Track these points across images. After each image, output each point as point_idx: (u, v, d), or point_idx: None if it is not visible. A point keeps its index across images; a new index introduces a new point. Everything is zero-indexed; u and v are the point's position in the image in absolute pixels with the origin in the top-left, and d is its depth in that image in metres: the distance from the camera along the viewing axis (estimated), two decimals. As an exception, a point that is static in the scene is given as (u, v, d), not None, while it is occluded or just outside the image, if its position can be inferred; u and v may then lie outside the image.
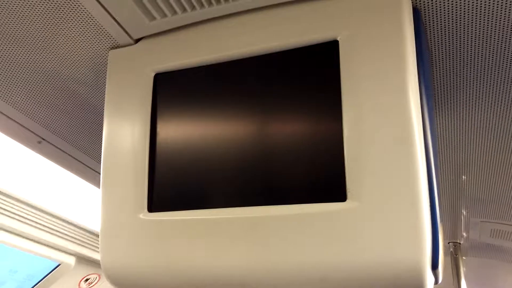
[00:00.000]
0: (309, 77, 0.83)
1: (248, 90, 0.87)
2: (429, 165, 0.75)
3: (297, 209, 0.77)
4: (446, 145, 1.35)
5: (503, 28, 0.88)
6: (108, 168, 0.95)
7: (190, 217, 0.86)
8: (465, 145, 1.34)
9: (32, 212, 1.95)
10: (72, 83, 1.16)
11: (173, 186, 0.89)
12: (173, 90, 0.94)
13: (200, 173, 0.87)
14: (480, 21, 0.87)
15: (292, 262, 0.77)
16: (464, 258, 2.09)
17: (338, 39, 0.81)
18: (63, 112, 1.26)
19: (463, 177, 1.55)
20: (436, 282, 0.79)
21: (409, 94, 0.74)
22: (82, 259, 2.42)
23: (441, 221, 0.78)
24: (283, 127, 0.83)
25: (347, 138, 0.76)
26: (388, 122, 0.74)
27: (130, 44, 1.00)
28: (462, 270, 2.00)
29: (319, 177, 0.78)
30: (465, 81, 1.05)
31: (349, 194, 0.75)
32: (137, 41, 0.99)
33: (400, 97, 0.74)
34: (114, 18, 0.93)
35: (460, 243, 2.05)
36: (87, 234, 2.28)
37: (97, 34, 0.99)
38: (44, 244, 2.16)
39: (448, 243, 2.07)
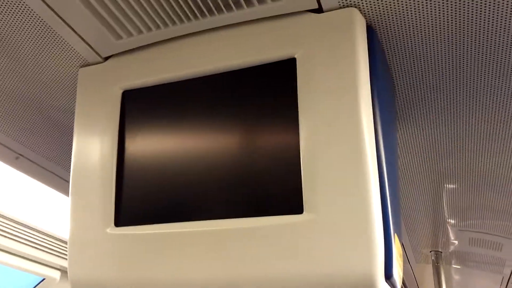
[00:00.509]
0: (269, 93, 0.86)
1: (211, 106, 0.90)
2: (382, 178, 0.78)
3: (256, 222, 0.80)
4: (426, 155, 1.38)
5: (458, 41, 0.91)
6: (76, 183, 0.97)
7: (156, 231, 0.87)
8: (445, 155, 1.36)
9: (15, 226, 1.96)
10: (46, 103, 1.18)
11: (140, 200, 0.91)
12: (141, 107, 0.96)
13: (167, 188, 0.89)
14: (434, 36, 0.90)
15: (252, 275, 0.78)
16: (445, 266, 2.11)
17: (295, 56, 0.84)
18: (39, 131, 1.28)
19: (445, 185, 1.58)
20: (394, 289, 0.81)
21: (361, 110, 0.77)
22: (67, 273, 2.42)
23: (395, 232, 0.80)
24: (244, 142, 0.85)
25: (304, 152, 0.79)
26: (341, 137, 0.77)
27: (99, 62, 1.02)
28: (443, 278, 2.02)
29: (277, 190, 0.81)
30: (435, 93, 1.08)
31: (305, 206, 0.77)
32: (106, 59, 1.02)
33: (352, 113, 0.77)
34: (81, 38, 0.96)
35: (441, 252, 2.07)
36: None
37: (67, 54, 1.02)
38: (28, 259, 2.16)
39: (430, 251, 2.10)
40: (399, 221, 0.91)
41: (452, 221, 1.82)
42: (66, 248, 2.23)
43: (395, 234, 0.80)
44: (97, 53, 1.00)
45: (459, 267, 2.15)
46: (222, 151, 0.87)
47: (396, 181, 0.92)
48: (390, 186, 0.80)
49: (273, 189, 0.81)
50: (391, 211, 0.79)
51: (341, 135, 0.77)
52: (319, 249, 0.75)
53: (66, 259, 2.29)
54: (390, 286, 0.78)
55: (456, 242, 1.92)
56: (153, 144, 0.93)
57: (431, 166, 1.44)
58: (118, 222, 0.91)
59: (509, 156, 1.33)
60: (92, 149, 0.97)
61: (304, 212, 0.77)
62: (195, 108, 0.91)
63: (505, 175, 1.42)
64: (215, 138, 0.88)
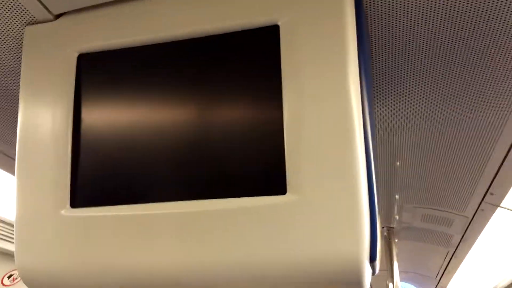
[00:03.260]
0: (248, 62, 0.78)
1: (181, 74, 0.81)
2: (369, 157, 0.73)
3: (236, 203, 0.73)
4: (383, 130, 1.37)
5: (443, 19, 0.88)
6: (23, 157, 0.84)
7: (118, 213, 0.78)
8: (400, 130, 1.36)
9: None
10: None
11: (100, 179, 0.81)
12: (99, 73, 0.85)
13: (130, 165, 0.80)
14: (421, 10, 0.87)
15: (230, 259, 0.72)
16: (396, 241, 2.18)
17: (278, 23, 0.77)
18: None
19: (397, 162, 1.59)
20: (373, 273, 0.79)
21: (350, 80, 0.72)
22: (4, 254, 2.24)
23: (379, 214, 0.77)
24: (220, 117, 0.78)
25: (287, 129, 0.73)
26: (328, 113, 0.71)
27: (49, 20, 0.89)
28: (394, 253, 2.08)
29: (259, 169, 0.74)
30: (404, 70, 1.05)
31: (289, 187, 0.71)
32: (57, 17, 0.89)
33: (340, 84, 0.72)
34: (29, -11, 0.82)
35: (393, 227, 2.12)
36: (8, 227, 2.10)
37: (11, 8, 0.88)
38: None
39: (383, 227, 2.15)
40: (379, 201, 0.89)
41: (406, 198, 1.86)
42: (1, 226, 2.06)
43: (379, 217, 0.77)
44: (47, 9, 0.86)
45: (410, 241, 2.23)
46: (190, 125, 0.79)
47: (376, 160, 0.89)
48: (375, 167, 0.77)
49: (253, 168, 0.74)
50: (376, 195, 0.75)
51: (329, 109, 0.71)
52: (302, 231, 0.70)
53: (2, 238, 2.12)
54: (372, 269, 0.75)
55: (410, 218, 1.97)
56: (115, 116, 0.83)
57: (387, 141, 1.45)
58: (74, 203, 0.81)
59: (467, 136, 1.35)
60: (43, 120, 0.85)
61: (287, 193, 0.71)
62: (161, 77, 0.82)
63: (463, 153, 1.45)
64: (182, 110, 0.79)
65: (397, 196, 1.86)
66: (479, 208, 1.72)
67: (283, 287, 0.74)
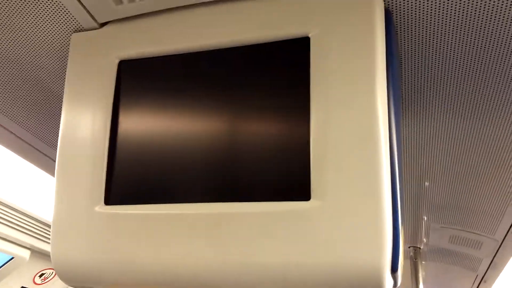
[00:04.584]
0: (278, 73, 0.81)
1: (215, 83, 0.85)
2: (393, 167, 0.75)
3: (260, 207, 0.76)
4: (411, 149, 1.37)
5: (473, 32, 0.89)
6: (64, 156, 0.90)
7: (149, 212, 0.82)
8: (429, 150, 1.36)
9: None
10: (31, 67, 1.10)
11: (133, 179, 0.86)
12: (138, 79, 0.90)
13: (162, 167, 0.84)
14: (451, 24, 0.88)
15: (253, 261, 0.74)
16: (423, 262, 2.14)
17: (309, 35, 0.80)
18: (20, 98, 1.19)
19: (426, 182, 1.58)
20: (395, 285, 0.79)
21: (377, 94, 0.74)
22: (38, 253, 2.32)
23: (402, 224, 0.77)
24: (250, 123, 0.81)
25: (314, 136, 0.75)
26: (355, 122, 0.74)
27: (94, 28, 0.95)
28: (420, 274, 2.04)
29: (284, 175, 0.77)
30: (434, 85, 1.06)
31: (313, 194, 0.73)
32: (102, 25, 0.95)
33: (368, 97, 0.74)
34: (78, 0, 0.88)
35: (420, 248, 2.09)
36: (43, 226, 2.18)
37: (60, 16, 0.94)
38: (-3, 236, 2.06)
39: (408, 247, 2.11)
40: (404, 214, 0.89)
41: (434, 218, 1.83)
42: (37, 226, 2.14)
43: (402, 227, 0.78)
44: (93, 18, 0.93)
45: (437, 263, 2.18)
46: (224, 131, 0.82)
47: (402, 172, 0.89)
48: (399, 177, 0.78)
49: (280, 174, 0.77)
50: (400, 204, 0.76)
51: (356, 120, 0.74)
52: (324, 237, 0.71)
53: (37, 237, 2.20)
54: (393, 281, 0.75)
55: (437, 239, 1.93)
56: (150, 120, 0.87)
57: (415, 160, 1.44)
58: (108, 200, 0.85)
59: (499, 157, 1.33)
60: (83, 121, 0.90)
61: (311, 199, 0.73)
62: (196, 85, 0.86)
63: (494, 174, 1.43)
64: (218, 118, 0.83)
65: (424, 216, 1.84)
66: (510, 231, 1.67)
67: None
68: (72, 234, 0.85)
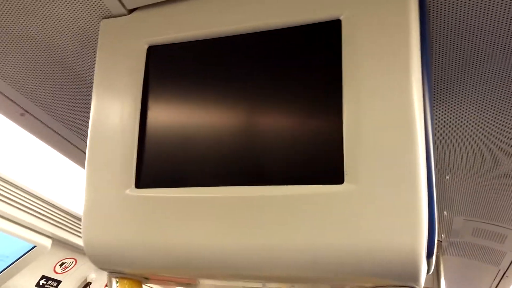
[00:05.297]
0: (310, 56, 0.80)
1: (245, 67, 0.84)
2: (429, 154, 0.74)
3: (293, 190, 0.75)
4: (435, 140, 1.35)
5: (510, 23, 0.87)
6: (95, 142, 0.91)
7: (178, 195, 0.82)
8: (453, 142, 1.33)
9: (6, 188, 1.87)
10: (62, 53, 1.11)
11: (162, 163, 0.86)
12: (167, 64, 0.90)
13: (191, 151, 0.84)
14: (488, 8, 0.86)
15: (285, 244, 0.74)
16: (444, 256, 2.11)
17: (341, 18, 0.79)
18: (50, 83, 1.20)
19: (447, 176, 1.55)
20: (428, 271, 0.78)
21: (412, 78, 0.72)
22: (59, 242, 2.34)
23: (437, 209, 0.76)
24: (280, 108, 0.80)
25: (347, 119, 0.74)
26: (389, 105, 0.72)
27: (123, 15, 0.95)
28: (442, 268, 2.01)
29: (316, 158, 0.76)
30: (465, 76, 1.04)
31: (346, 177, 0.73)
32: (131, 11, 0.95)
33: (402, 81, 0.73)
34: (108, -15, 0.89)
35: (441, 242, 2.06)
36: (65, 215, 2.20)
37: (90, 3, 0.95)
38: (19, 224, 2.08)
39: (430, 241, 2.08)
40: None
41: (456, 211, 1.80)
42: (59, 214, 2.16)
43: (436, 212, 0.77)
44: (122, 4, 0.93)
45: (458, 257, 2.15)
46: (253, 116, 0.82)
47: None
48: (434, 161, 0.76)
49: (312, 158, 0.76)
50: (435, 187, 0.75)
51: (390, 103, 0.72)
52: (359, 220, 0.71)
53: (58, 226, 2.22)
54: (427, 267, 0.74)
55: (459, 232, 1.91)
56: (179, 105, 0.87)
57: (437, 153, 1.42)
58: (139, 184, 0.86)
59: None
60: (114, 106, 0.91)
61: (344, 182, 0.73)
62: (226, 70, 0.86)
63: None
64: (248, 102, 0.82)
65: (445, 209, 1.81)
66: (536, 224, 1.65)
67: (337, 275, 0.75)
68: (103, 218, 0.86)
